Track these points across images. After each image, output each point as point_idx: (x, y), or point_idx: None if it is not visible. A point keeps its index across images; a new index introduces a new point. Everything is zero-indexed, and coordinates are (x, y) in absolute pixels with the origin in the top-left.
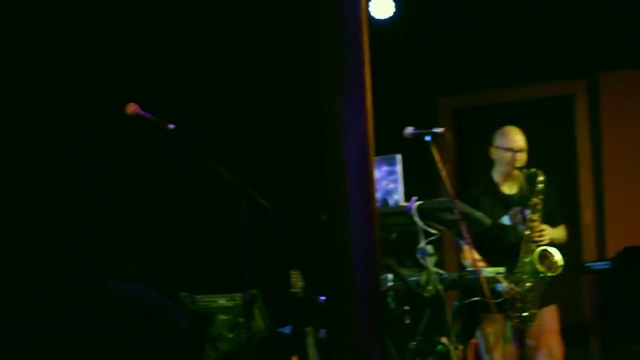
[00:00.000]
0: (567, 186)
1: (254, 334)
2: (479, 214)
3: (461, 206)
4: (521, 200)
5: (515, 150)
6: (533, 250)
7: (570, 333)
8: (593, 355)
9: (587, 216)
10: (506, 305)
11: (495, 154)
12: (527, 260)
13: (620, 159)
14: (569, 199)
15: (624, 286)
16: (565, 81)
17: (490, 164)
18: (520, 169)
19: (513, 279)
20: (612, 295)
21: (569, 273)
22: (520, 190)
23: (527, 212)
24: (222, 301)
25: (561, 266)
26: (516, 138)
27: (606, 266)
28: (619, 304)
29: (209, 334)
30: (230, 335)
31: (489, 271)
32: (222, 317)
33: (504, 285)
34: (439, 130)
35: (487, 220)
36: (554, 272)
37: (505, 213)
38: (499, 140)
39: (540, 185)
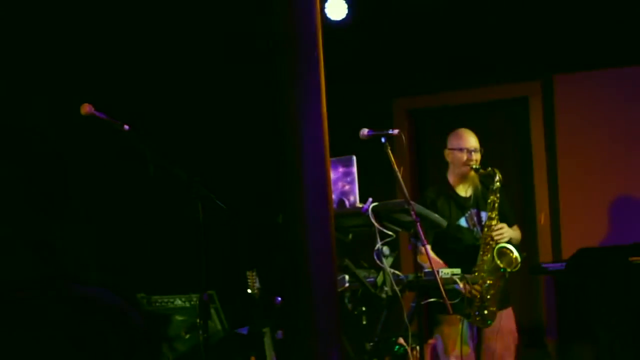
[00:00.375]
0: (522, 188)
1: (211, 334)
2: (435, 216)
3: (417, 208)
4: (476, 202)
5: (469, 151)
6: (492, 249)
7: (526, 334)
8: (549, 356)
9: (542, 218)
10: (464, 305)
11: (449, 156)
12: (486, 258)
13: (574, 160)
14: (524, 201)
15: (579, 287)
16: (520, 83)
17: (445, 165)
18: (475, 169)
19: (470, 279)
20: (567, 295)
21: (525, 274)
22: (476, 191)
23: (483, 214)
24: (178, 302)
25: (519, 262)
26: (470, 139)
27: (562, 267)
28: (574, 304)
29: (165, 335)
30: (187, 336)
31: (445, 272)
32: (179, 317)
33: (461, 285)
34: (394, 131)
35: (443, 222)
36: (513, 268)
37: (461, 215)
38: (452, 142)
39: (497, 184)
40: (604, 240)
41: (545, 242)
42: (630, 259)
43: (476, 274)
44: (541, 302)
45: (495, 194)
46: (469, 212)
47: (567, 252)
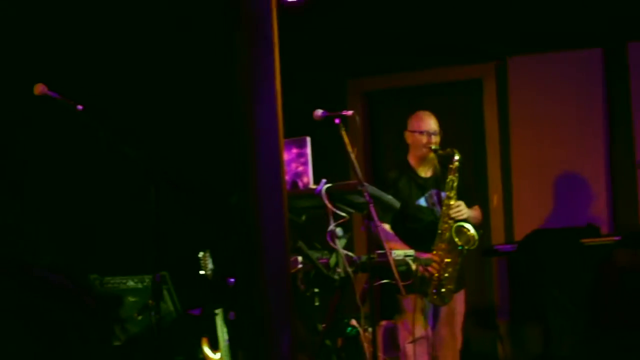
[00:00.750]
0: (475, 170)
1: (163, 315)
2: (388, 197)
3: (370, 189)
4: (436, 183)
5: (429, 133)
6: (450, 227)
7: (479, 315)
8: (502, 337)
9: (495, 199)
10: (422, 285)
11: (409, 137)
12: (444, 237)
13: (527, 142)
14: (477, 183)
15: (531, 268)
16: (474, 65)
17: (402, 146)
18: (435, 150)
19: (423, 261)
20: (519, 277)
21: (477, 256)
22: (435, 172)
23: (443, 194)
24: (131, 283)
25: (477, 240)
26: (429, 121)
27: (514, 249)
28: (526, 286)
29: (118, 316)
30: (139, 317)
31: (398, 253)
32: (131, 298)
33: (414, 267)
34: (348, 112)
35: (396, 203)
36: (470, 246)
37: (421, 195)
38: (413, 124)
39: (456, 164)
40: (556, 222)
41: (497, 224)
42: (582, 240)
43: (435, 252)
44: (493, 284)
45: (454, 174)
46: (428, 192)
47: (520, 233)
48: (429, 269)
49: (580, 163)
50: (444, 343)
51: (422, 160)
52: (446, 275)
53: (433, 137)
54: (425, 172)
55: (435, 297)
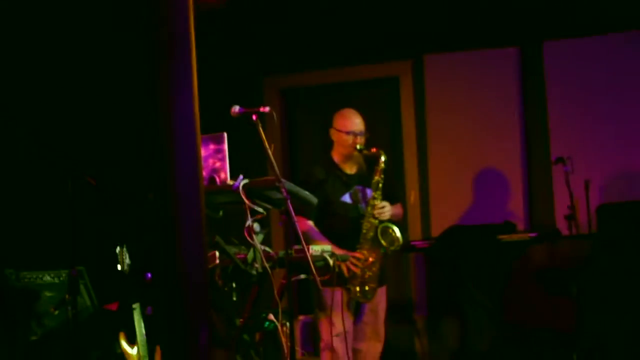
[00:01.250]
0: (392, 167)
1: (80, 310)
2: (305, 193)
3: (287, 185)
4: (361, 179)
5: (356, 134)
6: (374, 227)
7: (396, 310)
8: (418, 331)
9: (413, 196)
10: (340, 280)
11: (335, 135)
12: (368, 236)
13: (444, 140)
14: (395, 180)
15: (448, 264)
16: (391, 62)
17: (320, 143)
18: (360, 150)
19: (341, 257)
20: (436, 272)
21: (394, 251)
22: (360, 169)
23: (368, 190)
24: (47, 278)
25: (401, 242)
26: (356, 121)
27: (431, 245)
28: (443, 281)
29: (34, 311)
30: (56, 312)
31: (315, 249)
32: (48, 293)
33: (331, 262)
34: (265, 109)
35: (314, 199)
36: (395, 247)
37: (346, 191)
38: (339, 123)
39: (383, 165)
40: (473, 218)
41: (415, 220)
42: (499, 236)
43: (359, 250)
44: (410, 280)
45: (380, 175)
46: (353, 188)
47: (437, 230)
48: (352, 267)
49: (497, 160)
50: (367, 337)
51: (348, 158)
52: (370, 274)
53: (359, 137)
54: (350, 169)
55: (358, 294)
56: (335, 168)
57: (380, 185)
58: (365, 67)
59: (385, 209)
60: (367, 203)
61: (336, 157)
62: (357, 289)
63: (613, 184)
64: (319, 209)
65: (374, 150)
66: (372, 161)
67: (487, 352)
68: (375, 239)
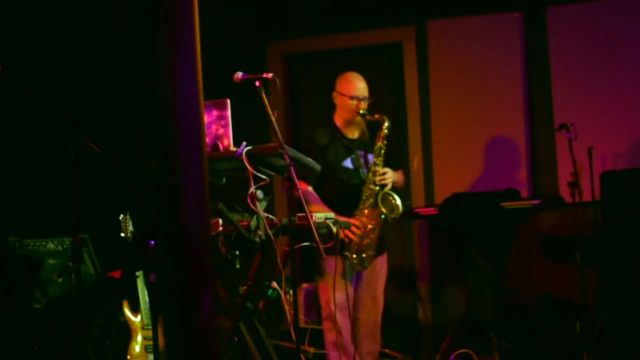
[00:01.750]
0: (396, 133)
1: (84, 278)
2: (308, 160)
3: (290, 152)
4: (363, 144)
5: (359, 99)
6: (374, 193)
7: (399, 278)
8: (422, 299)
9: (416, 162)
10: (342, 248)
11: (337, 99)
12: (368, 203)
13: (447, 106)
14: (398, 146)
15: (452, 231)
16: (394, 28)
17: (323, 109)
18: (363, 115)
19: (344, 224)
20: (440, 240)
21: (398, 218)
22: (362, 134)
23: (370, 156)
24: (51, 245)
25: (401, 210)
26: (360, 86)
27: (435, 212)
28: (446, 248)
29: (38, 279)
30: (59, 280)
31: (318, 216)
32: (52, 261)
33: (334, 229)
34: (268, 75)
35: (317, 166)
36: (394, 214)
37: (348, 156)
38: (342, 87)
39: (386, 131)
40: (476, 185)
41: (418, 187)
42: (502, 204)
43: (357, 217)
44: (414, 247)
45: (383, 141)
46: (355, 153)
47: (440, 197)
48: (349, 234)
49: (500, 126)
50: (366, 305)
51: (350, 122)
52: (368, 240)
53: (363, 102)
54: (352, 134)
55: (355, 261)
56: (337, 132)
57: (383, 151)
58: (368, 32)
59: (387, 176)
60: (368, 169)
61: (338, 121)
62: (354, 256)
63: (617, 151)
64: (320, 174)
65: (377, 116)
66: (375, 126)
67: (491, 320)
68: (375, 206)
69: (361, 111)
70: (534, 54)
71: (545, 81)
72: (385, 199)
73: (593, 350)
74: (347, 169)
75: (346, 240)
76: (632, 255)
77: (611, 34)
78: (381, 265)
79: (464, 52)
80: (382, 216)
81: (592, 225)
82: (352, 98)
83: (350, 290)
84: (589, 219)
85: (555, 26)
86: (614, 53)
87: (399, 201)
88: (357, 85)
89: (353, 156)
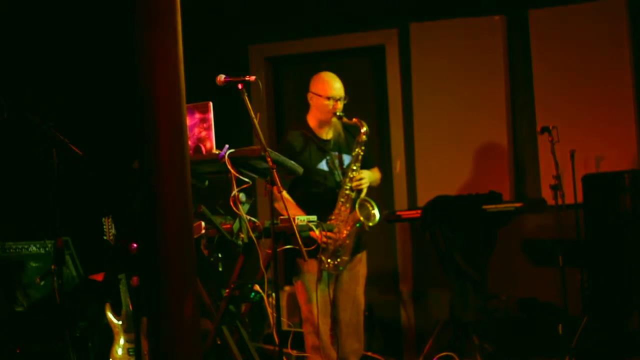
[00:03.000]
0: (378, 136)
1: (66, 281)
2: (291, 162)
3: (273, 154)
4: (337, 145)
5: (335, 99)
6: (351, 199)
7: (382, 280)
8: (404, 301)
9: (398, 165)
10: (324, 251)
11: (312, 99)
12: (344, 208)
13: (430, 109)
14: (380, 149)
15: (434, 234)
16: (377, 31)
17: (304, 109)
18: (340, 117)
19: (326, 227)
20: (422, 243)
21: (380, 221)
22: (336, 134)
23: (345, 156)
24: (33, 248)
25: (377, 219)
26: (336, 86)
27: (417, 214)
28: (429, 251)
29: (19, 281)
30: (41, 283)
31: (301, 219)
32: (33, 264)
33: (317, 233)
34: (251, 78)
35: (299, 169)
36: (371, 222)
37: (322, 158)
38: (317, 87)
39: (364, 137)
40: (459, 188)
41: (400, 190)
42: (485, 206)
43: (333, 221)
44: (396, 249)
45: (361, 147)
46: (329, 155)
47: (423, 199)
48: (327, 238)
49: (483, 130)
50: (346, 305)
51: (325, 123)
52: (343, 245)
53: (339, 102)
54: (326, 134)
55: (328, 266)
56: (310, 134)
57: (360, 157)
58: (351, 35)
59: (363, 182)
60: (343, 170)
61: (312, 121)
62: (329, 260)
63: (598, 154)
64: (296, 177)
65: (355, 120)
66: (350, 128)
67: (473, 322)
68: (351, 213)
69: (338, 113)
70: (516, 57)
71: (527, 84)
72: (363, 206)
73: (575, 352)
74: (322, 171)
75: (323, 245)
76: (614, 257)
77: (593, 37)
78: (360, 265)
79: (447, 55)
80: (358, 225)
81: (574, 228)
82: (328, 98)
83: (330, 291)
84: (571, 221)
85: (537, 29)
86: (596, 56)
87: (376, 210)
88: (333, 85)
89: (327, 158)
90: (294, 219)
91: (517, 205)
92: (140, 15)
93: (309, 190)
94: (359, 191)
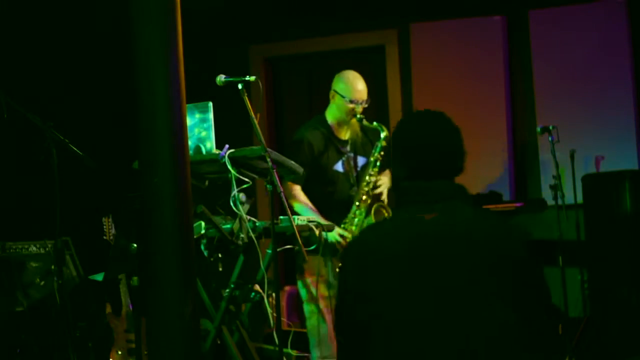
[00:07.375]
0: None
1: (66, 281)
2: (291, 162)
3: (273, 155)
4: (354, 147)
5: (359, 103)
6: (366, 201)
7: None
8: None
9: None
10: (325, 250)
11: (335, 98)
12: (358, 212)
13: (430, 108)
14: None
15: None
16: (376, 31)
17: (305, 111)
18: (360, 120)
19: (326, 227)
20: None
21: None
22: (355, 135)
23: (360, 159)
24: (33, 248)
25: None
26: (360, 89)
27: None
28: None
29: (20, 282)
30: (41, 283)
31: (301, 219)
32: (34, 264)
33: (317, 232)
34: (251, 78)
35: (300, 169)
36: None
37: (339, 159)
38: (342, 89)
39: (384, 142)
40: None
41: None
42: (485, 206)
43: (347, 225)
44: None
45: (380, 152)
46: (345, 156)
47: None
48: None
49: (483, 129)
50: None
51: (344, 123)
52: None
53: (361, 107)
54: (345, 134)
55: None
56: (329, 134)
57: (379, 163)
58: (351, 35)
59: (382, 187)
60: (357, 172)
61: (330, 118)
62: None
63: (599, 154)
64: (310, 177)
65: (375, 124)
66: (368, 130)
67: None
68: (367, 217)
69: (358, 116)
70: (516, 57)
71: (527, 84)
72: (379, 212)
73: (576, 352)
74: (337, 172)
75: (339, 247)
76: (614, 257)
77: (593, 37)
78: None
79: (447, 55)
80: None
81: (574, 228)
82: (351, 102)
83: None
84: (571, 221)
85: (537, 29)
86: (596, 56)
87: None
88: (357, 88)
89: (344, 159)
90: (293, 219)
91: (518, 205)
92: (142, 19)
93: (323, 190)
94: (376, 196)
